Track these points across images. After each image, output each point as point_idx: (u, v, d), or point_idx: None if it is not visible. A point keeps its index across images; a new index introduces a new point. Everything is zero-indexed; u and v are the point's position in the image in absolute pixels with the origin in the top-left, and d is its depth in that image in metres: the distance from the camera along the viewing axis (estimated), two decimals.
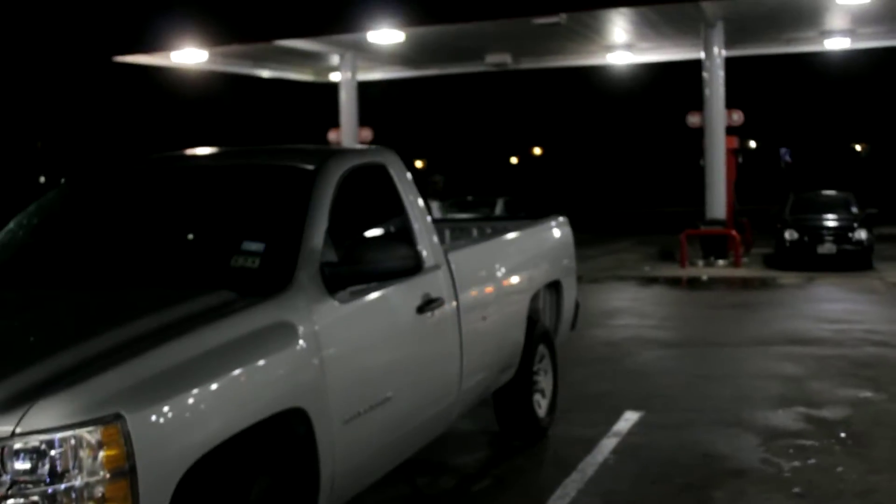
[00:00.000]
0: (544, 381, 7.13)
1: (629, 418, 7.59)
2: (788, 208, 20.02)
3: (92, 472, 2.96)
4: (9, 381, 3.03)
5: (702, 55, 20.38)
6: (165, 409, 3.15)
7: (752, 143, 50.34)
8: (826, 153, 53.03)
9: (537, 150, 55.23)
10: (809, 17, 19.94)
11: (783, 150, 57.16)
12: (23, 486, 2.92)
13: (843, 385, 8.63)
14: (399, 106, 34.64)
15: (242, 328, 3.64)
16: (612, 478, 6.17)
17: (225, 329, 3.57)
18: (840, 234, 18.43)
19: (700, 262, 19.64)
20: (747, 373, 9.33)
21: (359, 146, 5.36)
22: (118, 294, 4.00)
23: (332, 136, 24.00)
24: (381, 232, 4.82)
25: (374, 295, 4.51)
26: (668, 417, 7.66)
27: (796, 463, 6.36)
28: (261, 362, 3.63)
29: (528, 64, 24.78)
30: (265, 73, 25.15)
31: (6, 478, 2.91)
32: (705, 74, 20.29)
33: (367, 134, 23.91)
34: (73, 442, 2.94)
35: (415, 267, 4.44)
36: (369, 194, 5.12)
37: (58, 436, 2.92)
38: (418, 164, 49.09)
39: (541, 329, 6.99)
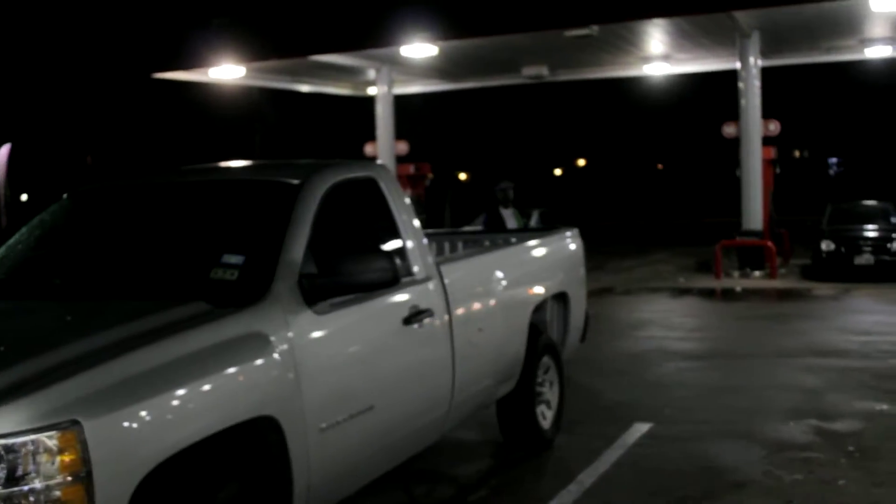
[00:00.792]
0: (549, 392, 7.16)
1: (638, 430, 7.59)
2: (826, 219, 19.79)
3: (49, 477, 3.09)
4: None
5: (737, 65, 20.25)
6: (124, 416, 3.27)
7: (800, 153, 49.93)
8: (877, 163, 52.29)
9: (581, 162, 55.19)
10: (847, 26, 19.70)
11: (831, 161, 56.65)
12: None
13: (861, 398, 8.54)
14: (439, 119, 34.79)
15: (210, 338, 3.75)
16: (611, 489, 6.18)
17: (192, 339, 3.69)
18: (878, 244, 18.17)
19: (736, 274, 19.48)
20: (765, 385, 9.27)
21: (349, 161, 5.43)
22: (96, 305, 4.15)
23: (368, 149, 24.19)
24: (365, 245, 4.90)
25: (355, 306, 4.59)
26: (677, 429, 7.64)
27: (798, 476, 6.33)
28: (227, 371, 3.73)
29: (565, 76, 24.81)
30: (304, 88, 25.46)
31: None
32: (741, 84, 20.15)
33: (403, 147, 24.06)
34: (31, 447, 3.07)
35: (392, 280, 4.52)
36: (358, 208, 5.21)
37: (17, 440, 3.06)
38: (462, 176, 49.25)
39: (545, 341, 7.03)
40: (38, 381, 3.21)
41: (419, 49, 18.93)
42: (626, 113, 46.34)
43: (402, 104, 26.51)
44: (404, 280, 5.11)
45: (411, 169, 23.85)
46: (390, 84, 23.63)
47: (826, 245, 18.39)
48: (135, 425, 3.29)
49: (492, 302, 6.14)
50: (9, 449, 3.05)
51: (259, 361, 3.89)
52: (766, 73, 20.79)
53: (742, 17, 18.24)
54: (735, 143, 20.45)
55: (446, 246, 8.28)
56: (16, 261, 4.94)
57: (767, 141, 20.55)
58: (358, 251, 4.48)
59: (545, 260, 7.37)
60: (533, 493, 6.15)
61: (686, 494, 6.02)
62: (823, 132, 50.18)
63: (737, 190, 20.34)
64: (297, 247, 4.44)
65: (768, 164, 20.60)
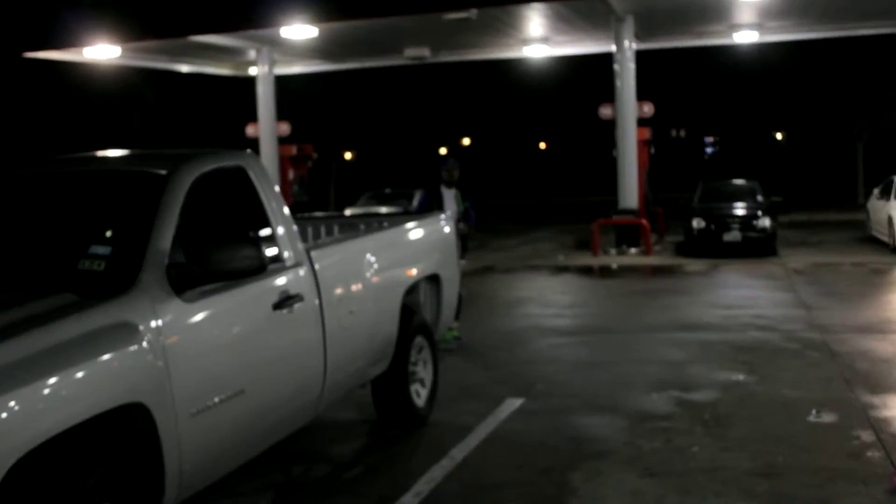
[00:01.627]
0: (423, 371, 7.39)
1: (510, 405, 7.88)
2: (697, 197, 20.58)
3: None
4: None
5: (613, 48, 20.80)
6: None
7: (677, 133, 51.38)
8: (749, 142, 54.25)
9: (466, 141, 55.70)
10: (717, 12, 20.43)
11: (706, 140, 58.50)
12: None
13: (720, 369, 9.03)
14: (324, 99, 34.64)
15: (77, 329, 3.83)
16: (480, 463, 6.45)
17: (58, 330, 3.76)
18: (745, 222, 18.98)
19: (613, 251, 20.09)
20: (633, 359, 9.70)
21: (218, 150, 5.51)
22: None
23: (249, 130, 24.02)
24: (233, 233, 5.00)
25: (225, 293, 4.71)
26: (547, 404, 7.97)
27: (657, 444, 6.71)
28: (94, 361, 3.82)
29: (446, 57, 25.02)
30: (184, 68, 25.06)
31: None
32: (616, 67, 20.72)
33: (285, 128, 23.98)
34: None
35: (259, 267, 4.66)
36: (227, 196, 5.31)
37: None
38: (348, 155, 49.16)
39: (418, 321, 7.24)
40: None
41: (299, 30, 18.86)
42: (510, 93, 46.93)
43: (286, 84, 26.37)
44: (274, 266, 5.25)
45: (294, 150, 23.81)
46: (271, 64, 23.49)
47: (697, 223, 19.13)
48: (3, 415, 3.37)
49: (363, 285, 6.31)
50: None
51: (126, 350, 3.99)
52: (642, 55, 21.42)
53: (616, 1, 18.76)
54: (611, 125, 21.04)
55: (322, 230, 8.40)
56: None
57: (642, 122, 21.22)
58: (225, 240, 4.60)
59: (417, 243, 7.57)
60: (406, 469, 6.36)
61: (551, 465, 6.32)
62: (699, 113, 51.76)
63: (614, 170, 20.94)
64: (165, 237, 4.53)
65: (643, 144, 21.28)
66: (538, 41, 23.46)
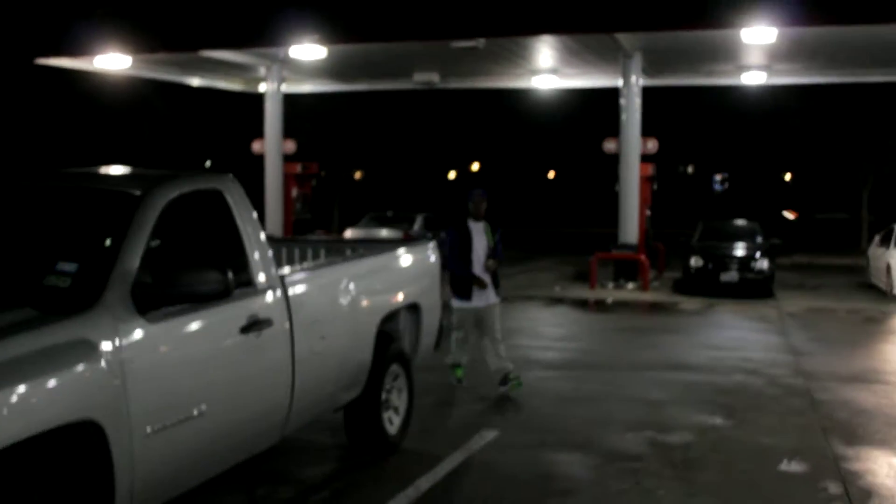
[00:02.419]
0: (398, 399, 7.41)
1: (484, 437, 7.90)
2: (697, 235, 20.62)
3: None
4: None
5: (620, 83, 20.90)
6: None
7: (688, 169, 51.26)
8: (758, 181, 54.31)
9: (475, 166, 55.88)
10: (725, 52, 20.52)
11: (715, 178, 58.54)
12: None
13: (699, 411, 9.02)
14: (334, 118, 34.79)
15: (33, 344, 3.88)
16: (445, 495, 6.47)
17: (12, 345, 3.80)
18: (743, 262, 19.00)
19: (610, 285, 20.10)
20: (615, 396, 9.70)
21: (196, 172, 5.57)
22: None
23: (255, 146, 24.13)
24: (203, 257, 5.05)
25: (190, 315, 4.76)
26: (522, 438, 7.98)
27: (625, 485, 6.72)
28: (44, 377, 3.86)
29: (455, 83, 25.17)
30: (195, 82, 25.21)
31: None
32: (622, 101, 20.81)
33: (290, 146, 24.09)
34: None
35: (224, 292, 4.71)
36: (202, 219, 5.37)
37: None
38: (357, 174, 49.37)
39: (394, 349, 7.27)
40: None
41: (308, 50, 18.99)
42: (519, 121, 47.13)
43: (295, 102, 26.51)
44: (245, 291, 5.30)
45: (298, 168, 23.93)
46: (280, 82, 23.62)
47: (695, 261, 19.16)
48: None
49: (337, 312, 6.35)
50: None
51: (81, 367, 4.03)
52: (654, 91, 21.51)
53: (624, 38, 18.86)
54: (615, 159, 21.10)
55: (309, 253, 8.45)
56: None
57: (646, 158, 21.28)
58: (193, 263, 4.65)
59: (398, 271, 7.61)
60: (371, 496, 6.38)
61: (516, 501, 6.33)
62: (709, 150, 51.91)
63: (617, 203, 20.99)
64: (133, 257, 4.58)
65: (646, 180, 21.33)
66: (547, 72, 23.58)
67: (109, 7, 17.90)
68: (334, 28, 17.14)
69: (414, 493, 6.40)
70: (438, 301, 8.22)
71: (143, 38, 18.92)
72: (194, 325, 4.82)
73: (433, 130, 45.11)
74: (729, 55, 20.78)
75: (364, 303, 6.75)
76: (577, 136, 46.77)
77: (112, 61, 20.36)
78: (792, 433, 8.30)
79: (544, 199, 54.54)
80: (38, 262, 4.64)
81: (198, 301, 4.67)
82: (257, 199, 23.08)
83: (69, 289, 4.41)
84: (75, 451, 4.08)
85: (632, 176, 20.65)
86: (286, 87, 24.27)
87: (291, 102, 25.37)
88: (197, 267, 4.63)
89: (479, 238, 9.60)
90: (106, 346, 4.19)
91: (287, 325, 5.61)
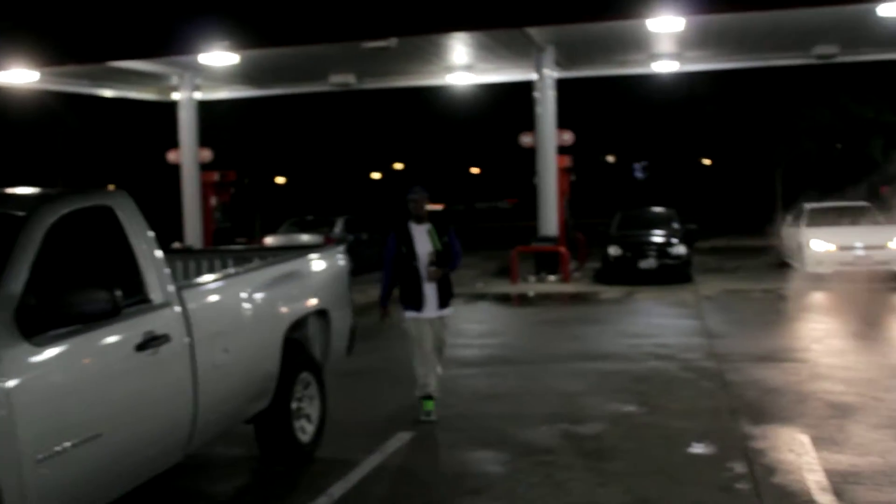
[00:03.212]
0: (310, 407, 7.40)
1: (400, 439, 7.94)
2: (615, 225, 20.90)
3: None
4: None
5: (534, 76, 21.09)
6: None
7: (611, 159, 51.82)
8: (677, 167, 55.23)
9: (399, 166, 55.93)
10: (635, 42, 20.81)
11: (636, 166, 59.43)
12: None
13: (613, 400, 9.17)
14: (252, 124, 34.50)
15: None
16: (357, 499, 6.48)
17: None
18: (661, 249, 19.33)
19: (532, 278, 20.29)
20: (531, 390, 9.81)
21: (85, 190, 5.49)
22: None
23: (171, 156, 23.83)
24: (90, 276, 5.00)
25: (79, 336, 4.70)
26: (438, 437, 8.05)
27: (535, 479, 6.80)
28: None
29: (372, 84, 25.14)
30: (107, 93, 24.80)
31: None
32: (537, 94, 21.02)
33: (207, 154, 23.83)
34: None
35: (112, 310, 4.66)
36: (92, 237, 5.31)
37: None
38: (280, 180, 49.02)
39: (304, 357, 7.27)
40: None
41: (219, 57, 18.82)
42: (440, 118, 47.31)
43: (212, 110, 26.25)
44: (140, 308, 5.26)
45: (216, 176, 23.70)
46: (192, 90, 23.36)
47: (613, 250, 19.44)
48: None
49: (240, 323, 6.33)
50: None
51: None
52: (572, 83, 21.70)
53: (535, 32, 19.04)
54: (533, 152, 21.29)
55: (216, 264, 8.40)
56: None
57: (563, 150, 21.51)
58: (78, 283, 4.60)
59: (305, 278, 7.59)
60: None
61: (427, 501, 6.38)
62: (629, 139, 52.65)
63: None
64: (17, 280, 4.52)
65: (564, 172, 21.55)
66: (462, 69, 23.67)
67: (13, 20, 17.52)
68: (244, 34, 17.00)
69: (326, 501, 6.41)
70: (349, 305, 8.23)
71: (50, 51, 18.55)
72: (84, 346, 4.76)
73: (354, 132, 45.03)
74: (640, 45, 21.08)
75: (269, 312, 6.74)
76: (496, 131, 47.07)
77: (18, 76, 19.94)
78: (702, 416, 8.49)
79: (468, 196, 54.80)
80: None
81: (86, 321, 4.62)
82: (175, 210, 22.82)
83: None
84: None
85: (549, 168, 20.86)
86: (201, 95, 24.01)
87: (207, 110, 25.12)
88: (83, 287, 4.57)
89: (423, 242, 8.45)
90: None
91: (186, 339, 5.58)
